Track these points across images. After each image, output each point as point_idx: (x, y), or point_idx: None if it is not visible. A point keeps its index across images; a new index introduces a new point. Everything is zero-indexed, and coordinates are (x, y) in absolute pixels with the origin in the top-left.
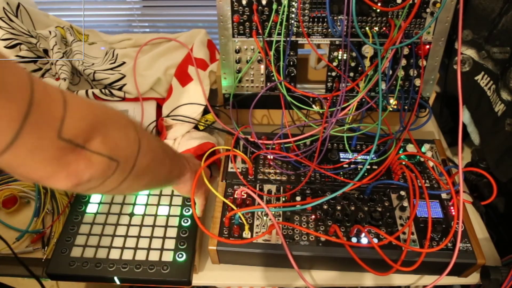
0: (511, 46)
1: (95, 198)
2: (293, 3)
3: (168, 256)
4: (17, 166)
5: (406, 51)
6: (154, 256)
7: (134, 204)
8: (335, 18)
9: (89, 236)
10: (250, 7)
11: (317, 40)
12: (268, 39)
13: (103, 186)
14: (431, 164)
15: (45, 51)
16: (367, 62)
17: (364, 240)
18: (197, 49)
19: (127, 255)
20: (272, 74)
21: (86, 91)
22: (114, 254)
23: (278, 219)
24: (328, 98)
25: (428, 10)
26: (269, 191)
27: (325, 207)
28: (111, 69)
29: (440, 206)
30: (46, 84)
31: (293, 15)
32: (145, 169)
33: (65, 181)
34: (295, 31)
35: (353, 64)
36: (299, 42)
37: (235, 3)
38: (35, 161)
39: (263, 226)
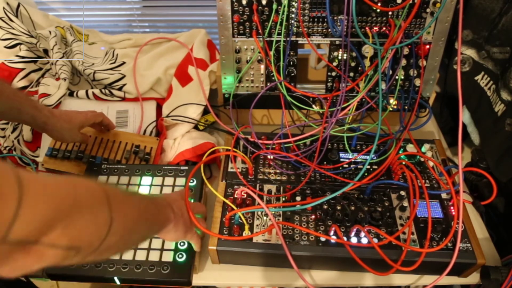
0: (511, 46)
1: None
2: (293, 3)
3: (168, 256)
4: None
5: (406, 51)
6: (154, 256)
7: None
8: (335, 18)
9: None
10: (250, 7)
11: (317, 40)
12: (268, 39)
13: (56, 266)
14: (431, 164)
15: (45, 51)
16: (367, 62)
17: (364, 240)
18: (197, 49)
19: (127, 255)
20: (272, 74)
21: (86, 91)
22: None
23: (278, 219)
24: (328, 98)
25: (428, 10)
26: (269, 191)
27: (325, 207)
28: (111, 69)
29: (440, 206)
30: (0, 177)
31: (293, 15)
32: (112, 245)
33: (9, 273)
34: (295, 31)
35: (353, 64)
36: (299, 42)
37: (235, 3)
38: None
39: (263, 226)
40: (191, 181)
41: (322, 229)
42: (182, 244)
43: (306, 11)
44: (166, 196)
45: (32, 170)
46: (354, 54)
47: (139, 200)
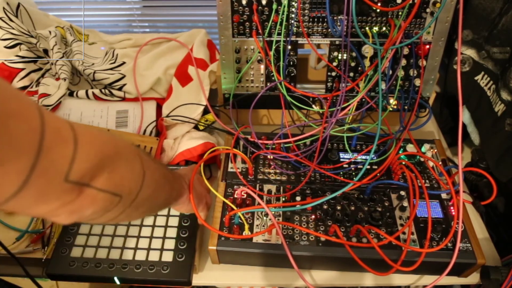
0: (511, 46)
1: None
2: (293, 3)
3: (168, 256)
4: (21, 209)
5: (406, 51)
6: (154, 256)
7: None
8: (335, 18)
9: (89, 236)
10: (250, 7)
11: (317, 40)
12: (268, 39)
13: (101, 218)
14: (431, 164)
15: (45, 51)
16: (367, 62)
17: (364, 240)
18: (197, 49)
19: (127, 255)
20: (272, 74)
21: (86, 91)
22: (114, 254)
23: (278, 219)
24: (328, 98)
25: (428, 10)
26: (269, 191)
27: (325, 207)
28: (111, 69)
29: (440, 206)
30: (59, 122)
31: (293, 15)
32: (146, 199)
33: (67, 218)
34: (295, 31)
35: (353, 64)
36: (299, 42)
37: (235, 3)
38: (38, 203)
39: (263, 226)
40: None
41: (322, 229)
42: (182, 244)
43: (306, 11)
44: (177, 170)
45: None
46: (354, 54)
47: (159, 163)
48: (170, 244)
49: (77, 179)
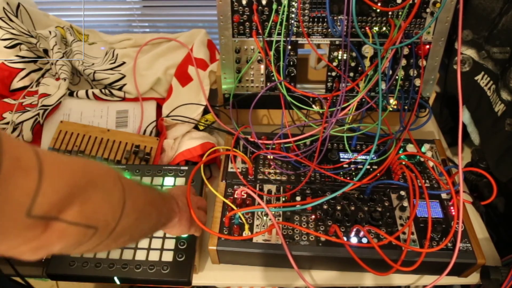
0: (511, 46)
1: None
2: (293, 3)
3: (168, 256)
4: None
5: (406, 51)
6: (154, 256)
7: None
8: (335, 18)
9: None
10: (250, 7)
11: (317, 40)
12: (268, 39)
13: (74, 251)
14: (431, 164)
15: (45, 51)
16: (367, 62)
17: (364, 240)
18: (197, 49)
19: (127, 255)
20: (272, 74)
21: (86, 91)
22: (114, 254)
23: (278, 219)
24: (328, 98)
25: (428, 10)
26: (269, 191)
27: (325, 207)
28: (111, 69)
29: (440, 206)
30: (20, 150)
31: (293, 15)
32: (126, 229)
33: (31, 255)
34: (295, 31)
35: (353, 64)
36: (299, 42)
37: (235, 3)
38: None
39: (263, 226)
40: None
41: (322, 229)
42: (182, 244)
43: (306, 11)
44: (169, 190)
45: None
46: (354, 54)
47: (147, 187)
48: (170, 244)
49: (41, 214)
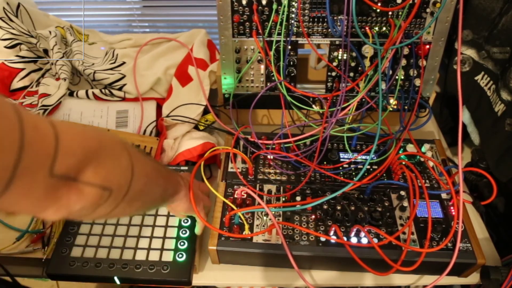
0: (511, 46)
1: None
2: (293, 3)
3: (168, 256)
4: (9, 207)
5: (406, 51)
6: (154, 256)
7: None
8: (335, 18)
9: (89, 236)
10: (250, 7)
11: (317, 40)
12: (268, 39)
13: (94, 213)
14: (431, 164)
15: (45, 51)
16: (367, 62)
17: (364, 240)
18: (197, 49)
19: (127, 255)
20: (272, 74)
21: (86, 91)
22: (114, 254)
23: (278, 219)
24: (328, 98)
25: (428, 10)
26: (269, 191)
27: (325, 207)
28: (111, 69)
29: (440, 206)
30: (36, 119)
31: (293, 15)
32: (138, 193)
33: (55, 214)
34: (295, 31)
35: (353, 64)
36: (299, 42)
37: (235, 3)
38: (26, 201)
39: (263, 226)
40: None
41: (322, 229)
42: (182, 244)
43: (306, 11)
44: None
45: None
46: (354, 54)
47: (152, 158)
48: (170, 244)
49: (62, 173)
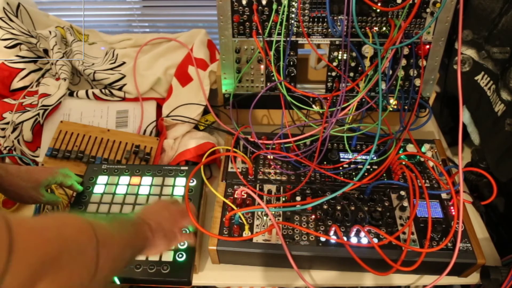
0: (511, 46)
1: (95, 197)
2: (293, 3)
3: (168, 256)
4: None
5: (406, 51)
6: (154, 256)
7: (134, 204)
8: (335, 18)
9: None
10: (250, 7)
11: (317, 40)
12: (268, 39)
13: None
14: (431, 164)
15: (45, 51)
16: (367, 62)
17: (364, 240)
18: (197, 49)
19: None
20: (272, 74)
21: (86, 91)
22: None
23: (278, 219)
24: (328, 98)
25: (428, 10)
26: (269, 191)
27: (325, 207)
28: (111, 69)
29: (440, 206)
30: None
31: (293, 15)
32: (102, 279)
33: None
34: (295, 31)
35: (353, 64)
36: (299, 42)
37: (235, 3)
38: None
39: (263, 226)
40: (191, 181)
41: (322, 229)
42: (182, 244)
43: (306, 11)
44: (142, 211)
45: None
46: (354, 54)
47: (121, 227)
48: None
49: None
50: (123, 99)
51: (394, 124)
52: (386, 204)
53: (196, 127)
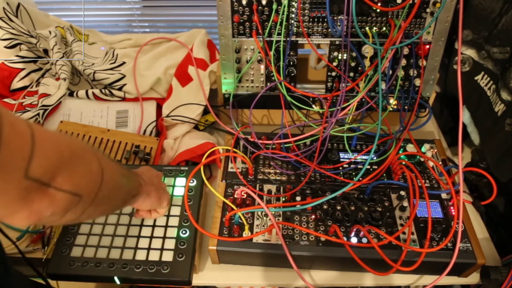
0: (511, 46)
1: None
2: (293, 3)
3: (168, 256)
4: None
5: (406, 51)
6: (154, 256)
7: None
8: (335, 18)
9: (89, 236)
10: (250, 7)
11: (317, 40)
12: (268, 39)
13: (62, 219)
14: (431, 164)
15: (45, 51)
16: (367, 62)
17: (364, 240)
18: (197, 49)
19: (127, 255)
20: (272, 74)
21: (86, 91)
22: (114, 254)
23: (278, 219)
24: (328, 98)
25: (428, 10)
26: (269, 191)
27: (325, 207)
28: (111, 69)
29: (440, 206)
30: (15, 119)
31: (293, 15)
32: (105, 198)
33: (25, 219)
34: (295, 31)
35: (353, 64)
36: (299, 42)
37: (235, 3)
38: None
39: (263, 226)
40: (191, 181)
41: (322, 229)
42: (182, 244)
43: (306, 11)
44: (136, 169)
45: None
46: (354, 54)
47: (116, 162)
48: (170, 244)
49: (37, 177)
50: (123, 99)
51: (394, 124)
52: (386, 204)
53: (196, 127)
